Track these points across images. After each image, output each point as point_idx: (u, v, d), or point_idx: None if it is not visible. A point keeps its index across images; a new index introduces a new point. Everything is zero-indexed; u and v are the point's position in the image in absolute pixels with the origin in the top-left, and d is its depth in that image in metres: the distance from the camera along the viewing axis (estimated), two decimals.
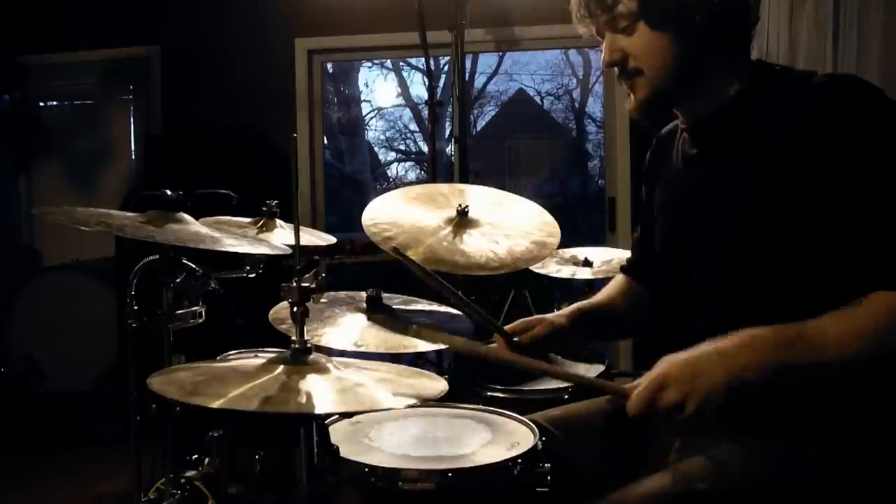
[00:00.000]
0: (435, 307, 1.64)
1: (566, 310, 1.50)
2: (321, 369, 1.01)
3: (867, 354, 0.99)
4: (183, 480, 1.21)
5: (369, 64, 8.83)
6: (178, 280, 1.48)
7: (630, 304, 1.52)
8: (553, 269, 2.33)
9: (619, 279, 1.58)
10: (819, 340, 1.00)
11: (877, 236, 1.03)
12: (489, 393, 1.78)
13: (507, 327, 1.46)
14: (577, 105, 9.53)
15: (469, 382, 1.81)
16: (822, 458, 1.09)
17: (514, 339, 1.44)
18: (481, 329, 1.55)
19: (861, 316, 1.00)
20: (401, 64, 8.84)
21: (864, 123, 1.05)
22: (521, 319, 1.49)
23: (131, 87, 4.46)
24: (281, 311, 1.48)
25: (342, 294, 1.56)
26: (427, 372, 1.16)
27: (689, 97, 1.23)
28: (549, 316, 1.48)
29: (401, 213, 1.67)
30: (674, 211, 1.35)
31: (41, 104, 4.58)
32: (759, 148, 1.14)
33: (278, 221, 2.00)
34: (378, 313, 1.47)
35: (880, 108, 1.07)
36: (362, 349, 1.34)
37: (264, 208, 2.00)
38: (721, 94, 1.21)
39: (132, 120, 4.48)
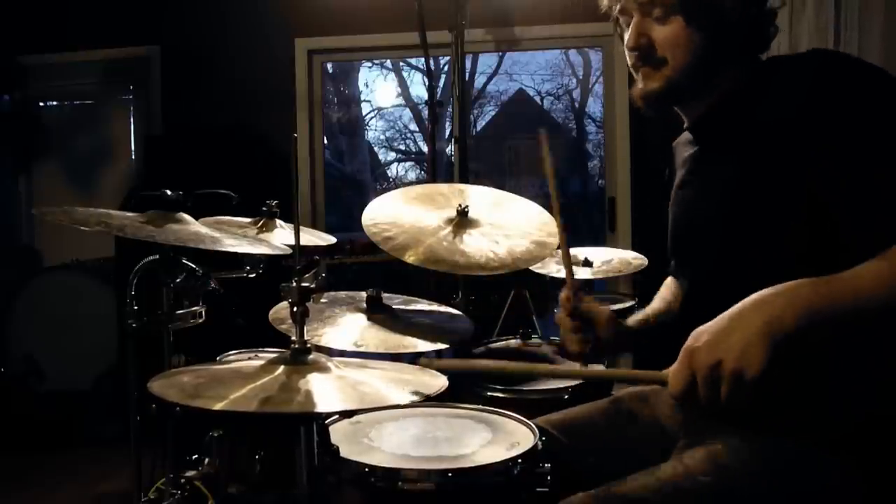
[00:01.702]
0: (434, 307, 1.64)
1: (631, 320, 1.47)
2: (321, 369, 1.01)
3: None
4: (183, 480, 1.21)
5: (369, 64, 8.82)
6: (178, 280, 1.48)
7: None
8: (553, 269, 2.32)
9: (669, 282, 1.57)
10: (853, 285, 0.95)
11: (886, 192, 1.00)
12: (489, 393, 1.78)
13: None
14: (577, 105, 9.53)
15: (469, 382, 1.81)
16: (838, 461, 1.07)
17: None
18: (479, 331, 1.53)
19: (891, 260, 0.96)
20: (401, 64, 8.83)
21: (842, 90, 1.05)
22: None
23: (131, 87, 4.46)
24: (281, 311, 1.49)
25: (342, 294, 1.57)
26: (427, 370, 1.17)
27: (695, 95, 1.24)
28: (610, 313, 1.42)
29: (401, 213, 1.67)
30: (679, 210, 1.36)
31: (41, 104, 4.58)
32: (753, 136, 1.14)
33: (278, 221, 2.00)
34: (378, 313, 1.47)
35: (854, 71, 1.07)
36: (362, 349, 1.34)
37: (264, 208, 2.00)
38: (719, 93, 1.22)
39: (132, 120, 4.48)
